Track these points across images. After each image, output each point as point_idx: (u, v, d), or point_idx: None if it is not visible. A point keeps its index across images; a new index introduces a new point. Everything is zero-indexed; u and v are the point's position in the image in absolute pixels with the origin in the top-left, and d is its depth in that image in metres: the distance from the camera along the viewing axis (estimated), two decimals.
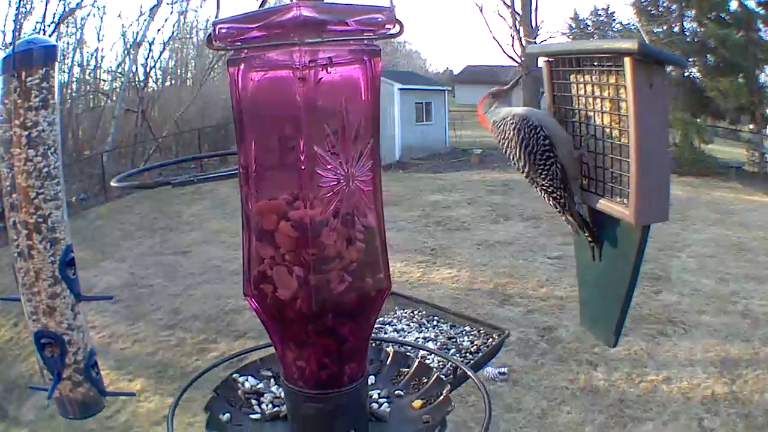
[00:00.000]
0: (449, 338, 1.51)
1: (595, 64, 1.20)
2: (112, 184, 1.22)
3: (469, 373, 1.04)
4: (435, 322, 1.60)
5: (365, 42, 0.79)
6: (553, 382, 5.78)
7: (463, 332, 1.54)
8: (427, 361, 1.27)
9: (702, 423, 5.13)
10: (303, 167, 0.76)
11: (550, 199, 1.25)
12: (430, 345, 1.48)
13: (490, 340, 1.50)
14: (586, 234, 1.28)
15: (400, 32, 0.79)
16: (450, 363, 1.33)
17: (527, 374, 5.91)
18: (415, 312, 1.66)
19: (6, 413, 5.87)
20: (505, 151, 1.25)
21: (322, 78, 0.75)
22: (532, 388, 5.68)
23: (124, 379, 6.14)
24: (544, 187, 1.23)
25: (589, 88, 1.22)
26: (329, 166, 0.77)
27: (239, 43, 0.78)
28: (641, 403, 5.42)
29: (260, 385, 0.99)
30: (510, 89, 1.33)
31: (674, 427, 5.09)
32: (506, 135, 1.23)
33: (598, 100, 1.20)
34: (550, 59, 1.31)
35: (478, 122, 1.33)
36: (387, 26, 0.79)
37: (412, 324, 1.59)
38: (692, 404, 5.38)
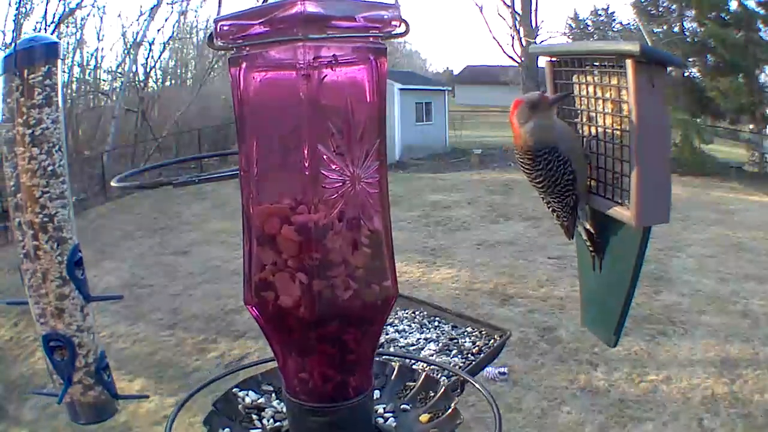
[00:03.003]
0: (451, 339, 1.50)
1: (596, 64, 1.20)
2: (112, 184, 1.20)
3: (476, 385, 1.02)
4: (436, 323, 1.60)
5: (371, 40, 0.77)
6: (553, 382, 5.78)
7: (465, 333, 1.53)
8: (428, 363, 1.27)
9: (702, 423, 5.13)
10: (307, 169, 0.73)
11: (554, 215, 1.26)
12: (432, 346, 1.47)
13: (492, 341, 1.49)
14: (588, 244, 1.28)
15: (406, 32, 0.77)
16: (453, 364, 1.33)
17: (527, 374, 5.91)
18: (417, 312, 1.65)
19: (6, 413, 5.86)
20: (529, 174, 1.21)
21: (326, 76, 0.72)
22: (532, 388, 5.68)
23: (124, 379, 6.13)
24: (554, 208, 1.24)
25: (591, 89, 1.22)
26: (334, 168, 0.74)
27: (241, 41, 0.75)
28: (641, 403, 5.42)
29: (261, 400, 0.95)
30: (554, 103, 1.21)
31: (674, 427, 5.09)
32: (535, 165, 1.18)
33: (600, 101, 1.20)
34: (552, 59, 1.31)
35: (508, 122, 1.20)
36: (393, 23, 0.77)
37: (413, 324, 1.59)
38: (692, 404, 5.38)
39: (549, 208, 1.26)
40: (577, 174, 1.19)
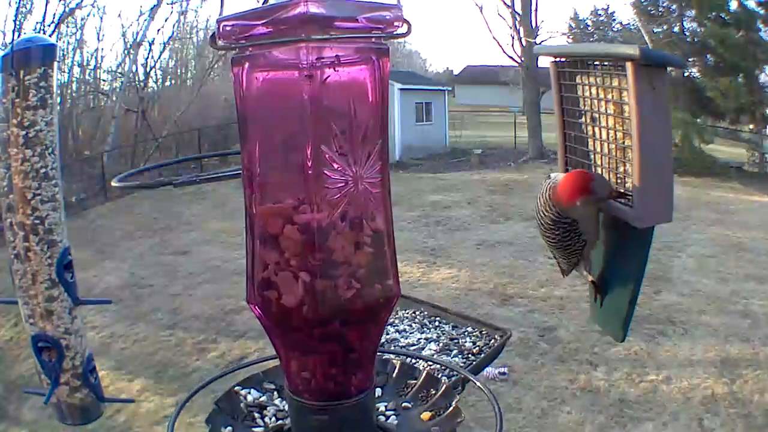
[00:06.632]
0: (451, 339, 1.50)
1: (596, 65, 1.21)
2: (113, 184, 1.20)
3: (476, 382, 1.02)
4: (437, 323, 1.60)
5: (373, 40, 0.77)
6: (553, 382, 5.78)
7: (465, 333, 1.53)
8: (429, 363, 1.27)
9: (702, 423, 5.13)
10: (309, 169, 0.73)
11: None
12: (432, 346, 1.47)
13: (492, 341, 1.49)
14: (591, 290, 1.32)
15: (408, 32, 0.76)
16: (453, 364, 1.33)
17: (527, 374, 5.91)
18: (417, 312, 1.65)
19: (6, 413, 5.85)
20: (543, 231, 1.24)
21: (329, 77, 0.72)
22: (532, 388, 5.68)
23: (123, 379, 6.13)
24: (557, 261, 1.29)
25: (594, 90, 1.22)
26: (337, 168, 0.74)
27: (243, 41, 0.75)
28: (641, 403, 5.42)
29: (263, 398, 0.96)
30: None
31: (674, 427, 5.08)
32: (553, 229, 1.21)
33: (603, 103, 1.20)
34: (556, 59, 1.32)
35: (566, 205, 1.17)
36: (395, 24, 0.77)
37: (414, 324, 1.59)
38: (692, 404, 5.38)
39: (552, 258, 1.29)
40: (587, 244, 1.23)
